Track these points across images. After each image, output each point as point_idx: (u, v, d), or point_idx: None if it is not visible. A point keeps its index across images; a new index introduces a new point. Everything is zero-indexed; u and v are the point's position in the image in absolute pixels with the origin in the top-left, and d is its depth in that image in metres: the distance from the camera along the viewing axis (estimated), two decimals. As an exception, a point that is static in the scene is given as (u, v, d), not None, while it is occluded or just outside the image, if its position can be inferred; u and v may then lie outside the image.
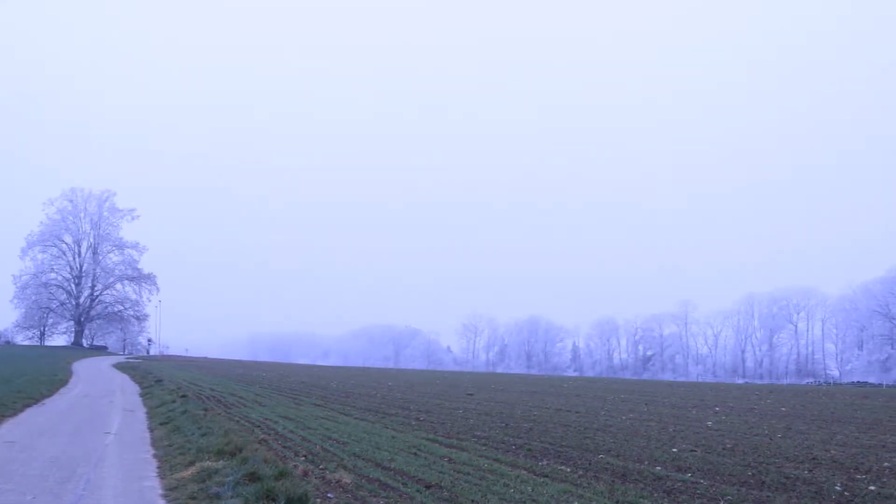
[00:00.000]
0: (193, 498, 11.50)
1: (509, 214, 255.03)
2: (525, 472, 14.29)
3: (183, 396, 31.21)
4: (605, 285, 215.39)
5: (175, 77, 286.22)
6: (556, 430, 22.23)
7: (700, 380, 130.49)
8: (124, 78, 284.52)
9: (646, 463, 15.91)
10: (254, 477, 11.95)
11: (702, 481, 13.74)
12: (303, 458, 15.37)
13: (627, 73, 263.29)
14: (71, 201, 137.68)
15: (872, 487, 13.40)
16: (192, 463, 14.40)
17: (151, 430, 21.28)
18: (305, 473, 13.13)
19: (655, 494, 12.46)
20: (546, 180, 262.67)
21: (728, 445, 19.20)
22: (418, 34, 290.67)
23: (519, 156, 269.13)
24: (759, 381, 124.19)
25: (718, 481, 13.82)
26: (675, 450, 18.07)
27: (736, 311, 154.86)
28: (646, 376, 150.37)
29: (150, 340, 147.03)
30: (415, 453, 16.59)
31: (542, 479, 13.49)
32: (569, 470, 14.76)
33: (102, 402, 31.81)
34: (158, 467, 14.73)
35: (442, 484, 12.77)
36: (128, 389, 40.62)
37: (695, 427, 24.34)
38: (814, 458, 17.00)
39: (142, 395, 35.83)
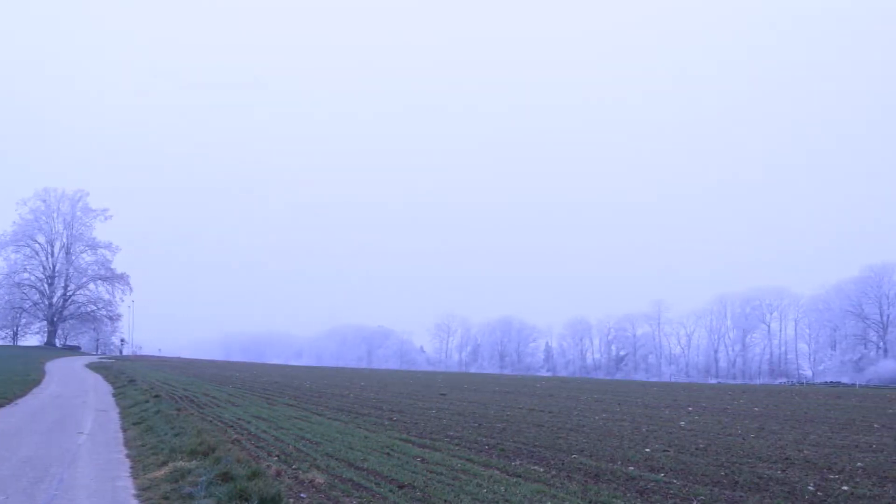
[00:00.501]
0: (166, 498, 11.46)
1: (483, 215, 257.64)
2: (498, 472, 14.31)
3: (156, 396, 31.04)
4: (579, 285, 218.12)
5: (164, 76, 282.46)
6: (529, 431, 22.24)
7: (673, 380, 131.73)
8: (112, 76, 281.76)
9: (619, 463, 15.95)
10: (227, 477, 11.93)
11: (675, 481, 13.80)
12: (276, 458, 15.33)
13: (599, 74, 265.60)
14: (44, 201, 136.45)
15: (845, 487, 13.46)
16: (164, 463, 14.35)
17: (124, 430, 21.14)
18: (278, 473, 13.11)
19: (628, 494, 12.50)
20: (518, 182, 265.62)
21: (701, 445, 19.29)
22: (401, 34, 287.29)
23: (492, 158, 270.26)
24: (732, 382, 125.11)
25: (691, 481, 13.88)
26: (648, 450, 18.13)
27: (709, 310, 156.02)
28: (619, 376, 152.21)
29: (122, 340, 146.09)
30: (388, 453, 16.58)
31: (515, 479, 13.50)
32: (542, 470, 14.78)
33: (75, 401, 31.55)
34: (131, 467, 14.67)
35: (415, 484, 12.76)
36: (101, 389, 40.29)
37: (668, 427, 24.44)
38: (787, 458, 17.09)
39: (115, 395, 35.57)
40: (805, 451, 18.42)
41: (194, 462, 13.92)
